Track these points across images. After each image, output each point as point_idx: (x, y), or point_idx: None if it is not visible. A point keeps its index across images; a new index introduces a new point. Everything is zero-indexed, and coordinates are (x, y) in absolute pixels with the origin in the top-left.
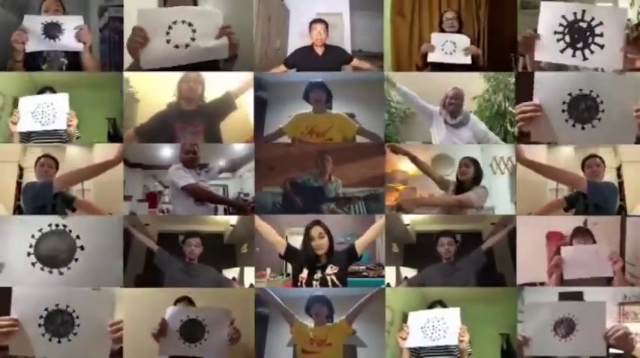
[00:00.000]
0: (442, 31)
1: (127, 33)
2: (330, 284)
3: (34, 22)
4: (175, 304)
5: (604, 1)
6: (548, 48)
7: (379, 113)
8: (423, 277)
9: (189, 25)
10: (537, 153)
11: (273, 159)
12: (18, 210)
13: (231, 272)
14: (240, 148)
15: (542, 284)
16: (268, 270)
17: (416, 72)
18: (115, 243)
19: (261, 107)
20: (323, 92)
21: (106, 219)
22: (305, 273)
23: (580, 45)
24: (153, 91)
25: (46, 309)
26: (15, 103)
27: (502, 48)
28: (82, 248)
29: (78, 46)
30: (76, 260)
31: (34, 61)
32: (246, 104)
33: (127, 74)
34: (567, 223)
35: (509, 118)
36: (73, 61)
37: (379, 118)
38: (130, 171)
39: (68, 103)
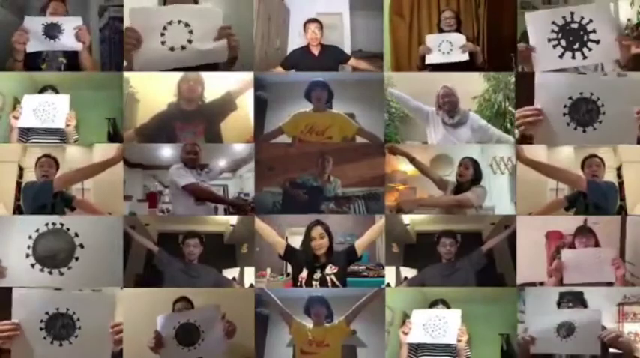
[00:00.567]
0: (441, 30)
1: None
2: (329, 284)
3: (34, 23)
4: (174, 304)
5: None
6: (546, 56)
7: (379, 113)
8: (424, 277)
9: (186, 25)
10: (537, 153)
11: (273, 159)
12: (18, 210)
13: (231, 273)
14: (240, 148)
15: (542, 284)
16: (268, 270)
17: (415, 72)
18: (115, 243)
19: (261, 107)
20: (324, 91)
21: (105, 219)
22: (305, 273)
23: (577, 46)
24: (153, 91)
25: (47, 313)
26: (15, 103)
27: (502, 47)
28: (81, 246)
29: (77, 46)
30: (77, 259)
31: (33, 61)
32: (246, 104)
33: (127, 74)
34: (567, 223)
35: (509, 118)
36: (72, 61)
37: (379, 118)
38: (130, 171)
39: (69, 104)
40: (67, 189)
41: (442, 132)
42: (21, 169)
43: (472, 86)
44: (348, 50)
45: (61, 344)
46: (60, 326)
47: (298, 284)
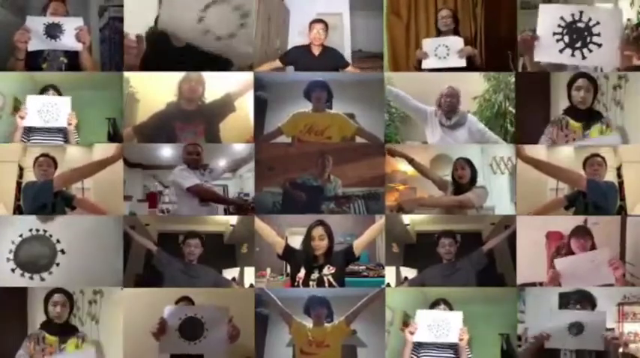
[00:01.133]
0: (438, 30)
1: (127, 33)
2: (326, 284)
3: (36, 23)
4: (176, 304)
5: (604, 1)
6: (547, 48)
7: (379, 113)
8: (424, 277)
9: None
10: (537, 152)
11: (273, 159)
12: (18, 210)
13: (231, 273)
14: (240, 148)
15: (542, 284)
16: (268, 270)
17: (414, 72)
18: (115, 243)
19: (261, 107)
20: (324, 91)
21: (102, 220)
22: (302, 273)
23: (578, 44)
24: (153, 91)
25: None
26: (15, 103)
27: (499, 46)
28: (62, 252)
29: (77, 46)
30: (57, 264)
31: (34, 60)
32: (246, 104)
33: (127, 74)
34: (567, 223)
35: (509, 118)
36: (73, 61)
37: (379, 119)
38: (130, 171)
39: (70, 105)
40: (67, 189)
41: (439, 134)
42: (21, 169)
43: (472, 86)
44: (348, 50)
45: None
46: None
47: (296, 284)
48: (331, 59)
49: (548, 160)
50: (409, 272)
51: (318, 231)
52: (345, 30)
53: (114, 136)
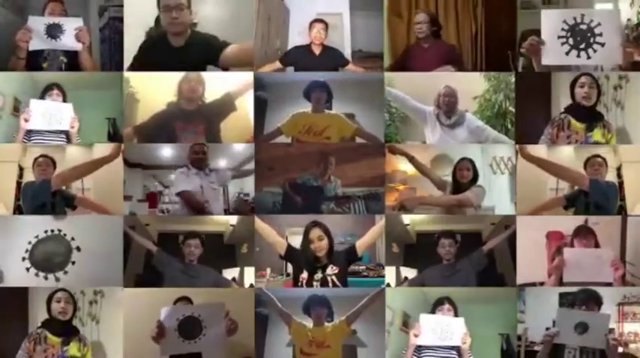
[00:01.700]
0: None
1: (127, 33)
2: (330, 284)
3: (37, 23)
4: (175, 304)
5: (604, 2)
6: (554, 52)
7: (379, 113)
8: (424, 278)
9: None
10: (537, 152)
11: (273, 159)
12: (18, 210)
13: (231, 273)
14: (240, 148)
15: (542, 284)
16: (268, 270)
17: (414, 72)
18: (115, 243)
19: (261, 107)
20: (324, 92)
21: (105, 219)
22: (305, 274)
23: (583, 46)
24: (153, 91)
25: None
26: (15, 103)
27: (499, 46)
28: (78, 249)
29: (77, 46)
30: (73, 263)
31: (35, 60)
32: (246, 104)
33: (127, 74)
34: (567, 223)
35: (509, 118)
36: (73, 61)
37: (379, 119)
38: (130, 171)
39: (72, 110)
40: (66, 188)
41: (439, 133)
42: (21, 169)
43: (473, 86)
44: (348, 50)
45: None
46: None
47: (299, 284)
48: (331, 58)
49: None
50: (409, 272)
51: (316, 232)
52: (345, 30)
53: (114, 136)
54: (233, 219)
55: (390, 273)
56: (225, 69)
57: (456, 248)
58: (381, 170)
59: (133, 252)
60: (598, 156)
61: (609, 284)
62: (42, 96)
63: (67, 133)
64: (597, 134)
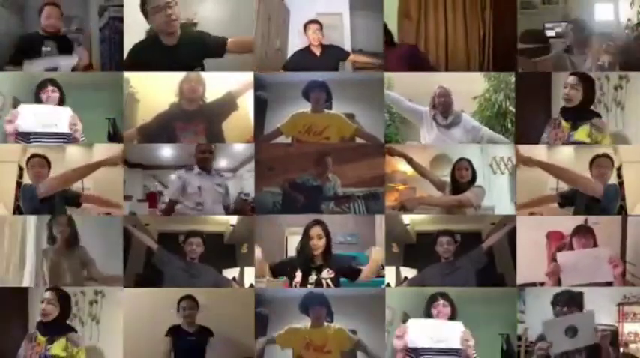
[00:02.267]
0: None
1: (127, 33)
2: (324, 285)
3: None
4: (179, 303)
5: (604, 2)
6: None
7: (379, 113)
8: (423, 276)
9: None
10: (537, 152)
11: (273, 159)
12: (18, 210)
13: (231, 272)
14: (241, 149)
15: (542, 284)
16: None
17: (414, 72)
18: (115, 243)
19: (261, 107)
20: (323, 92)
21: (105, 219)
22: (299, 276)
23: None
24: (153, 91)
25: None
26: (15, 103)
27: (507, 48)
28: None
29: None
30: None
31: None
32: (246, 104)
33: (127, 74)
34: (567, 223)
35: (509, 117)
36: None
37: (379, 119)
38: (130, 171)
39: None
40: (69, 189)
41: (435, 133)
42: (21, 169)
43: (473, 86)
44: (348, 50)
45: None
46: None
47: (293, 285)
48: (332, 56)
49: (547, 160)
50: (409, 273)
51: (317, 230)
52: (345, 30)
53: (114, 136)
54: (233, 219)
55: (390, 273)
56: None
57: (454, 246)
58: (381, 170)
59: (133, 251)
60: (606, 156)
61: (609, 284)
62: (37, 93)
63: (68, 135)
64: (582, 133)
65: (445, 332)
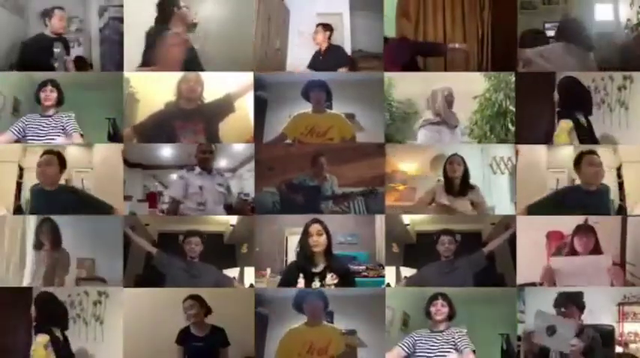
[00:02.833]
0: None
1: (127, 33)
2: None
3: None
4: (184, 303)
5: (604, 2)
6: None
7: (379, 113)
8: (422, 275)
9: None
10: (537, 152)
11: (273, 160)
12: (18, 211)
13: (231, 273)
14: (241, 149)
15: (542, 284)
16: (268, 270)
17: (414, 72)
18: (115, 243)
19: (261, 107)
20: (323, 91)
21: (105, 219)
22: (302, 283)
23: None
24: (153, 91)
25: None
26: (15, 103)
27: (506, 48)
28: None
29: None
30: None
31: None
32: (246, 104)
33: (127, 74)
34: (567, 222)
35: (510, 117)
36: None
37: (379, 119)
38: (130, 171)
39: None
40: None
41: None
42: (21, 169)
43: (473, 86)
44: (348, 50)
45: None
46: None
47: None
48: (333, 58)
49: (547, 160)
50: (409, 272)
51: (316, 227)
52: (345, 30)
53: (114, 136)
54: (233, 219)
55: (390, 273)
56: None
57: (455, 245)
58: (381, 170)
59: (133, 252)
60: (594, 152)
61: (609, 284)
62: (36, 92)
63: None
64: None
65: None
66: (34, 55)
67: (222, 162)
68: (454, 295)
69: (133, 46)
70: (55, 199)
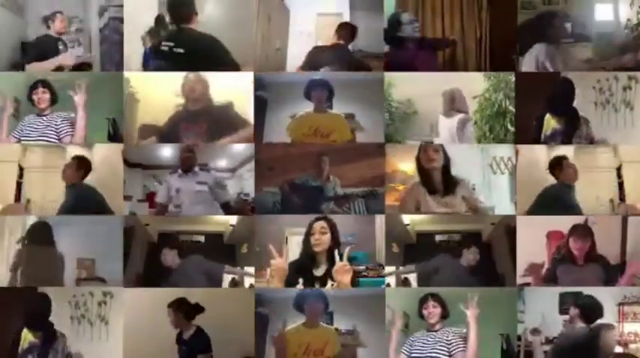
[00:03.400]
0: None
1: (127, 33)
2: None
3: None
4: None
5: (604, 2)
6: None
7: (379, 113)
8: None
9: None
10: (537, 152)
11: (273, 159)
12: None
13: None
14: (241, 149)
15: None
16: (268, 270)
17: (414, 72)
18: (115, 243)
19: (261, 107)
20: (325, 90)
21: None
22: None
23: None
24: (153, 91)
25: None
26: (15, 103)
27: (504, 48)
28: None
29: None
30: None
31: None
32: (246, 104)
33: (127, 74)
34: (568, 222)
35: (509, 117)
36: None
37: (379, 119)
38: (130, 171)
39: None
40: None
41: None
42: (21, 169)
43: (473, 86)
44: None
45: None
46: None
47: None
48: (337, 56)
49: (547, 160)
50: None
51: (320, 223)
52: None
53: (114, 136)
54: (233, 219)
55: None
56: None
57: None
58: (381, 170)
59: (134, 251)
60: (566, 157)
61: (610, 284)
62: (29, 94)
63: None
64: None
65: None
66: (41, 53)
67: (222, 162)
68: (454, 295)
69: (133, 46)
70: None
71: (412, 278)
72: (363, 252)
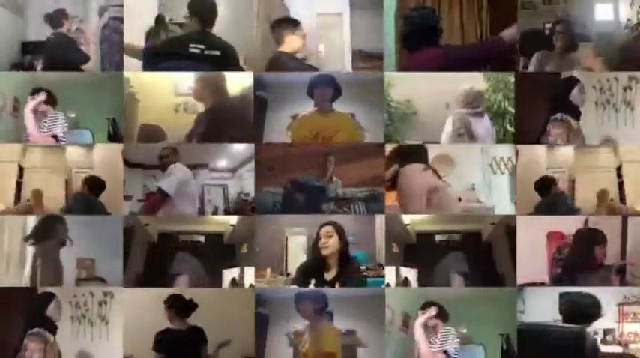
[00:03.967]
0: None
1: (127, 33)
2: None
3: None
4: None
5: (604, 2)
6: None
7: (379, 113)
8: None
9: None
10: (537, 153)
11: (273, 159)
12: None
13: (231, 273)
14: (241, 149)
15: (542, 284)
16: (268, 270)
17: (414, 72)
18: (115, 243)
19: (261, 107)
20: (329, 88)
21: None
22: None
23: None
24: (153, 91)
25: None
26: (15, 103)
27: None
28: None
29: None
30: None
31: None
32: (246, 104)
33: (127, 74)
34: (568, 223)
35: (508, 118)
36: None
37: (379, 119)
38: (130, 171)
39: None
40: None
41: None
42: (21, 169)
43: (472, 86)
44: (348, 50)
45: None
46: None
47: None
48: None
49: (547, 160)
50: (409, 273)
51: (326, 228)
52: (345, 30)
53: (114, 136)
54: (233, 219)
55: (389, 273)
56: None
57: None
58: (381, 170)
59: (134, 251)
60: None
61: (609, 284)
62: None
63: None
64: None
65: None
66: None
67: (222, 162)
68: (454, 295)
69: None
70: None
71: (412, 278)
72: (363, 252)
